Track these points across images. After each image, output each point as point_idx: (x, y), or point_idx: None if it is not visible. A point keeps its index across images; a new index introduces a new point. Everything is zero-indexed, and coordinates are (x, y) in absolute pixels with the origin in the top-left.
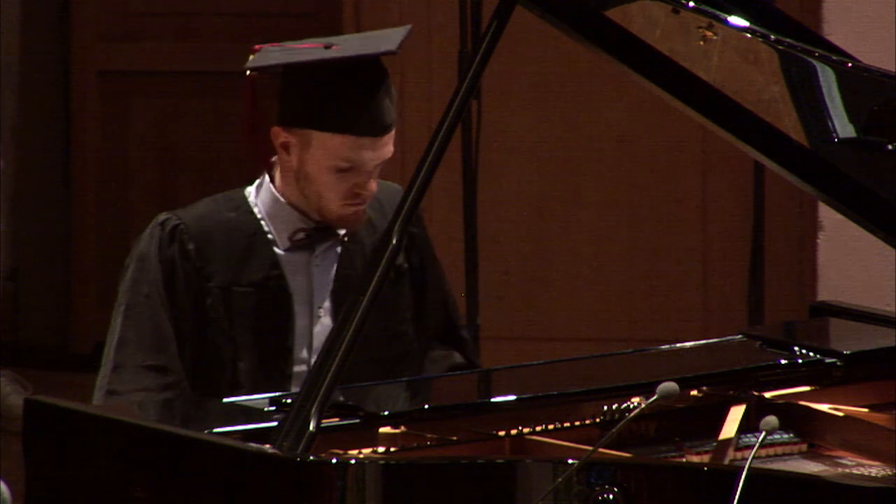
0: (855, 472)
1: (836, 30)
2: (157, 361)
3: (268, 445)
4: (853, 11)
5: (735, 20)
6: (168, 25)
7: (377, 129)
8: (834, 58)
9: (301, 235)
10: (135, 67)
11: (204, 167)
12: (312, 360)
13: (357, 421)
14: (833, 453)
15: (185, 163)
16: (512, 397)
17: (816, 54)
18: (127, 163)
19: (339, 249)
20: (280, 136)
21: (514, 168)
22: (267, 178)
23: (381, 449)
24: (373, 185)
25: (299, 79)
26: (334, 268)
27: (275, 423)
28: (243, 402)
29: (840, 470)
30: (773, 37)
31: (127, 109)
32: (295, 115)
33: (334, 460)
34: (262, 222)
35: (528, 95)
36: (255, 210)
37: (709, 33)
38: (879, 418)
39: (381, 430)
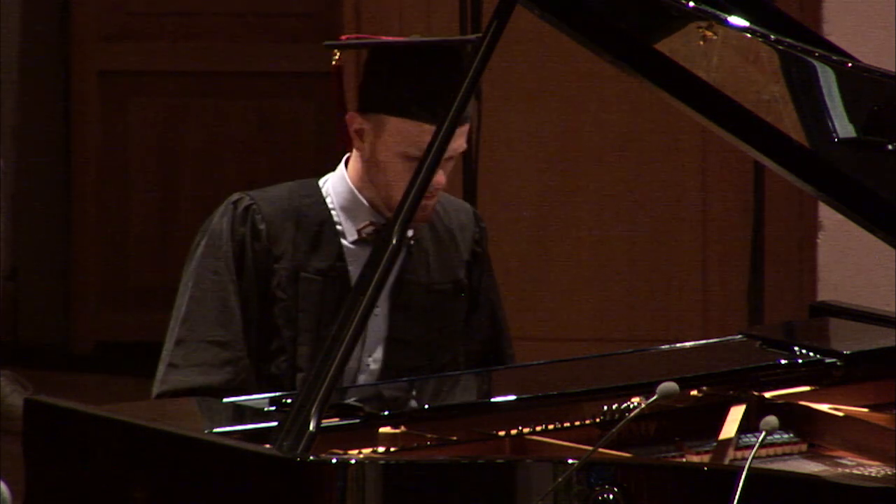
0: (855, 472)
1: (836, 30)
2: (220, 337)
3: (268, 445)
4: (853, 11)
5: (735, 20)
6: (168, 25)
7: None
8: (834, 58)
9: (370, 229)
10: (135, 67)
11: (204, 167)
12: (362, 356)
13: (357, 421)
14: (833, 453)
15: (185, 163)
16: (512, 397)
17: (816, 54)
18: (127, 163)
19: (402, 252)
20: (355, 121)
21: (514, 168)
22: (343, 167)
23: (381, 449)
24: (441, 178)
25: (381, 65)
26: (397, 268)
27: (275, 423)
28: (243, 402)
29: (840, 470)
30: (773, 37)
31: (127, 109)
32: (372, 101)
33: (334, 460)
34: (333, 212)
35: (528, 95)
36: (328, 200)
37: (709, 33)
38: (879, 418)
39: (381, 430)
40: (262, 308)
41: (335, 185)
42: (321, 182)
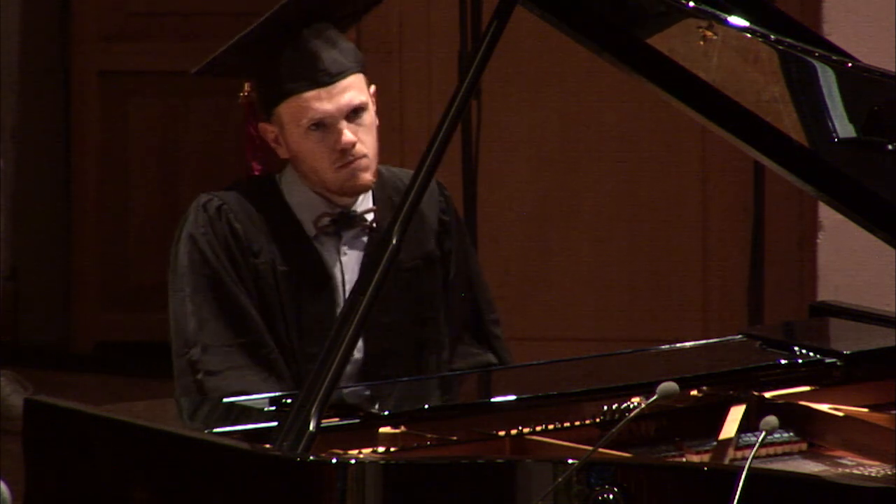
0: (855, 472)
1: (836, 30)
2: (244, 339)
3: (268, 445)
4: (853, 11)
5: (735, 20)
6: (168, 25)
7: (322, 79)
8: (834, 58)
9: (326, 221)
10: (135, 67)
11: (204, 167)
12: None
13: (357, 421)
14: (833, 453)
15: (185, 162)
16: (512, 397)
17: (816, 54)
18: (127, 163)
19: (365, 238)
20: (267, 132)
21: (514, 168)
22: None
23: (381, 449)
24: (348, 138)
25: (255, 75)
26: (362, 255)
27: (275, 423)
28: (243, 402)
29: (840, 470)
30: (773, 37)
31: (127, 109)
32: (263, 106)
33: (334, 460)
34: (292, 208)
35: (528, 95)
36: (285, 196)
37: (709, 33)
38: (879, 418)
39: (381, 430)
40: (255, 304)
41: (288, 182)
42: (277, 178)
